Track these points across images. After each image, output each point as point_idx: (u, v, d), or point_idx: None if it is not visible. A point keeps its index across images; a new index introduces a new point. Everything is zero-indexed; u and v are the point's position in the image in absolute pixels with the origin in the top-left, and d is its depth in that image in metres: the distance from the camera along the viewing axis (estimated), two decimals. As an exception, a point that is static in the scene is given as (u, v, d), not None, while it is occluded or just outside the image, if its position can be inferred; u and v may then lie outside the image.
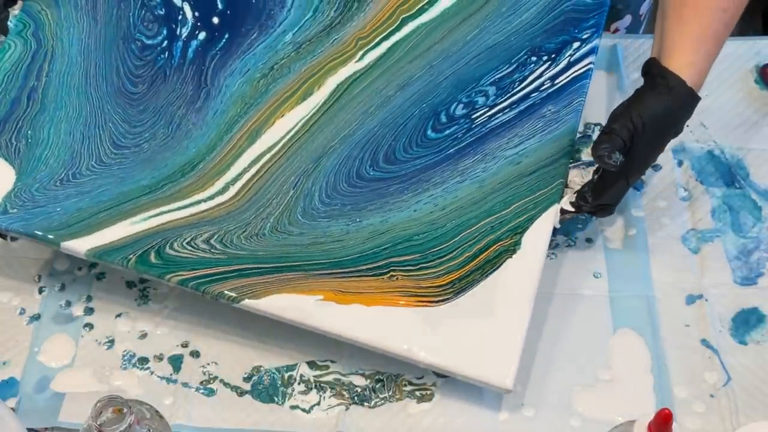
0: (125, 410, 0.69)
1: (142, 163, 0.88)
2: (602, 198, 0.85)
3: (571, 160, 0.88)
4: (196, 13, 0.93)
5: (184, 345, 0.88)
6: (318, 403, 0.84)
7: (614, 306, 0.88)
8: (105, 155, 0.88)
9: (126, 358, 0.87)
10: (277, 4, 0.93)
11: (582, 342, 0.86)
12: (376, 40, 0.92)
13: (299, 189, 0.86)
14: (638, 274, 0.90)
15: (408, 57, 0.91)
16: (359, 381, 0.85)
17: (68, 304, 0.91)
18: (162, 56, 0.92)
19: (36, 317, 0.90)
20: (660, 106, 0.81)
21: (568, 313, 0.88)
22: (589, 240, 0.93)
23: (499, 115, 0.89)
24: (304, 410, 0.84)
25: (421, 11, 0.93)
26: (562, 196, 0.86)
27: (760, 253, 0.92)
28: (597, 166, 0.85)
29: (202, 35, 0.92)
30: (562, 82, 0.90)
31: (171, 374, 0.86)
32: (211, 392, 0.85)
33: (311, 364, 0.86)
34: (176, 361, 0.87)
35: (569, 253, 0.92)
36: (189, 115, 0.89)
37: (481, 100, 0.89)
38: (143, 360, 0.87)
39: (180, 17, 0.93)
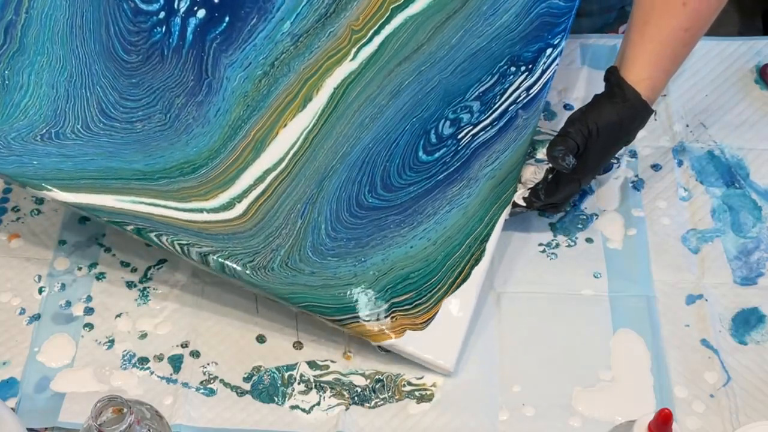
0: (125, 410, 0.69)
1: (135, 144, 0.86)
2: (554, 197, 0.88)
3: (527, 157, 0.91)
4: None
5: (184, 345, 0.88)
6: (318, 403, 0.84)
7: (614, 306, 0.88)
8: (93, 122, 0.86)
9: (126, 358, 0.87)
10: None
11: (582, 342, 0.86)
12: (369, 35, 0.92)
13: (306, 219, 0.86)
14: (638, 274, 0.90)
15: (398, 57, 0.92)
16: (359, 381, 0.85)
17: (68, 304, 0.91)
18: (158, 29, 0.89)
19: (36, 317, 0.90)
20: (614, 116, 0.85)
21: (568, 313, 0.88)
22: (589, 240, 0.93)
23: (481, 133, 0.91)
24: (304, 410, 0.84)
25: (410, 1, 0.93)
26: (515, 191, 0.89)
27: (760, 253, 0.92)
28: (551, 166, 0.87)
29: (201, 13, 0.90)
30: (535, 91, 0.92)
31: (171, 374, 0.86)
32: (211, 392, 0.85)
33: (311, 364, 0.86)
34: (176, 361, 0.87)
35: (569, 253, 0.92)
36: (189, 108, 0.88)
37: (465, 117, 0.91)
38: (143, 360, 0.87)
39: None
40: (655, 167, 0.98)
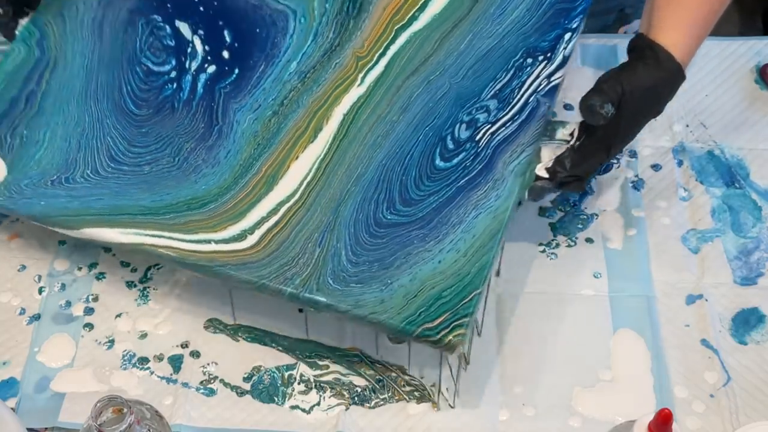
0: (125, 410, 0.69)
1: (142, 184, 0.87)
2: (580, 167, 0.84)
3: (545, 138, 0.87)
4: (206, 47, 0.94)
5: (184, 345, 0.88)
6: (318, 403, 0.84)
7: (614, 306, 0.88)
8: (101, 167, 0.88)
9: (126, 358, 0.87)
10: (279, 32, 0.94)
11: (582, 342, 0.86)
12: (375, 58, 0.92)
13: (325, 247, 0.82)
14: (638, 274, 0.90)
15: (405, 72, 0.91)
16: (359, 381, 0.85)
17: (68, 304, 0.91)
18: (169, 86, 0.92)
19: (36, 317, 0.90)
20: (649, 79, 0.81)
21: (568, 313, 0.88)
22: (589, 240, 0.93)
23: (501, 130, 0.87)
24: (304, 410, 0.84)
25: (413, 19, 0.94)
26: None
27: (760, 253, 0.92)
28: (576, 137, 0.84)
29: (211, 69, 0.93)
30: (557, 78, 0.89)
31: (171, 374, 0.86)
32: (211, 392, 0.85)
33: (311, 364, 0.86)
34: (176, 361, 0.87)
35: (569, 253, 0.92)
36: (198, 151, 0.88)
37: (482, 117, 0.88)
38: (143, 360, 0.87)
39: (189, 50, 0.94)
40: (655, 167, 0.98)
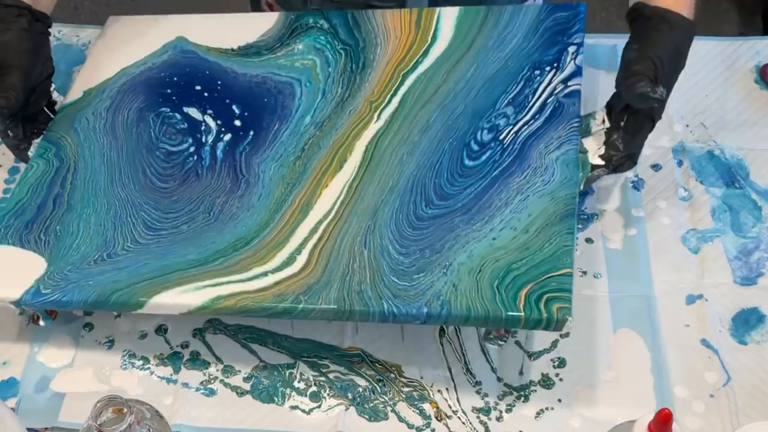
0: (125, 410, 0.69)
1: (184, 241, 0.86)
2: (632, 144, 0.87)
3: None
4: (218, 122, 0.96)
5: (184, 345, 0.88)
6: (318, 404, 0.84)
7: (614, 306, 0.88)
8: (140, 237, 0.87)
9: (126, 358, 0.87)
10: (287, 96, 0.97)
11: (582, 342, 0.86)
12: (387, 98, 0.95)
13: (371, 247, 0.83)
14: (638, 274, 0.90)
15: (419, 103, 0.94)
16: (359, 381, 0.85)
17: (68, 304, 0.91)
18: (191, 159, 0.93)
19: (36, 317, 0.90)
20: (671, 43, 0.84)
21: (568, 313, 0.88)
22: (589, 240, 0.93)
23: (524, 128, 0.89)
24: (304, 410, 0.84)
25: (417, 64, 0.97)
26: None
27: (760, 253, 0.92)
28: (615, 119, 0.86)
29: (227, 137, 0.94)
30: (575, 86, 0.91)
31: (171, 374, 0.86)
32: (211, 392, 0.85)
33: (311, 364, 0.86)
34: (176, 361, 0.87)
35: (569, 253, 0.92)
36: (231, 201, 0.89)
37: (502, 122, 0.91)
38: (143, 360, 0.87)
39: (203, 127, 0.95)
40: (655, 167, 0.98)
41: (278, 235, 0.85)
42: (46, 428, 0.83)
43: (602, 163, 0.88)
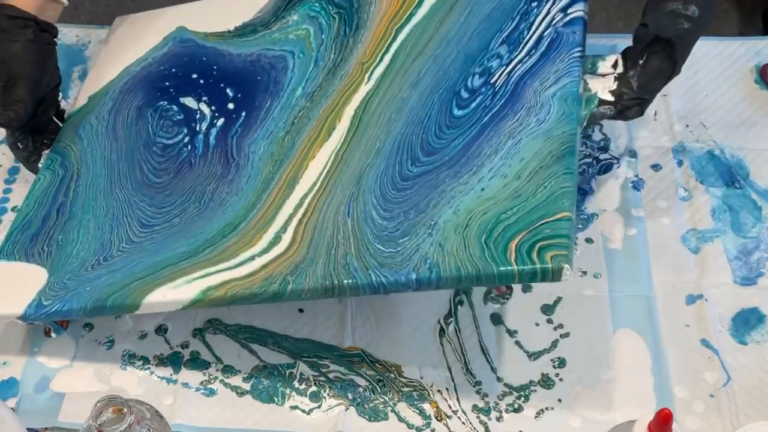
0: (125, 410, 0.69)
1: (176, 235, 0.86)
2: (648, 86, 0.82)
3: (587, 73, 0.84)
4: (212, 107, 0.95)
5: (184, 345, 0.88)
6: (318, 404, 0.84)
7: (614, 306, 0.88)
8: (134, 236, 0.87)
9: (126, 358, 0.87)
10: (280, 71, 0.95)
11: (582, 342, 0.86)
12: (378, 57, 0.92)
13: (354, 215, 0.80)
14: (638, 274, 0.90)
15: (410, 57, 0.91)
16: (359, 381, 0.85)
17: (68, 304, 0.91)
18: (185, 149, 0.93)
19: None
20: None
21: (569, 313, 0.88)
22: (589, 240, 0.93)
23: (518, 66, 0.84)
24: (303, 410, 0.84)
25: (411, 16, 0.94)
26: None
27: (760, 253, 0.92)
28: (639, 57, 0.82)
29: (220, 122, 0.93)
30: (577, 12, 0.85)
31: (171, 374, 0.86)
32: (211, 392, 0.85)
33: (311, 364, 0.86)
34: (176, 361, 0.87)
35: (569, 253, 0.92)
36: (221, 188, 0.88)
37: (495, 63, 0.85)
38: (143, 360, 0.87)
39: (198, 115, 0.95)
40: (655, 167, 0.98)
41: (264, 216, 0.84)
42: (46, 428, 0.83)
43: (611, 99, 0.83)
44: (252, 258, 0.80)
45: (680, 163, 0.98)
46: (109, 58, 1.05)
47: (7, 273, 0.88)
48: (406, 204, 0.79)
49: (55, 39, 0.95)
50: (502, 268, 0.71)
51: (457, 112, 0.84)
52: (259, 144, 0.90)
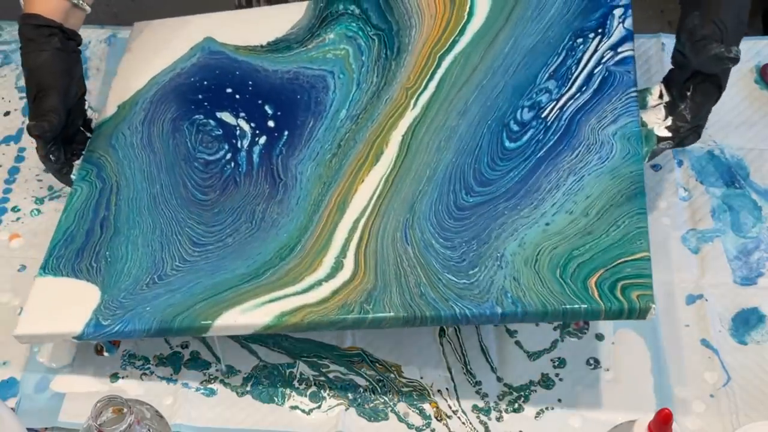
0: (125, 410, 0.69)
1: (231, 255, 0.85)
2: (700, 113, 0.85)
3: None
4: (252, 124, 0.94)
5: (184, 345, 0.88)
6: (318, 404, 0.84)
7: (614, 306, 0.88)
8: (187, 255, 0.86)
9: (126, 358, 0.87)
10: (321, 90, 0.95)
11: (582, 342, 0.86)
12: (423, 83, 0.92)
13: (413, 242, 0.81)
14: (638, 274, 0.90)
15: (456, 86, 0.91)
16: (359, 381, 0.85)
17: (68, 304, 0.90)
18: (228, 167, 0.92)
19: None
20: (731, 5, 0.82)
21: (568, 313, 0.88)
22: (589, 240, 0.93)
23: (570, 102, 0.86)
24: (303, 410, 0.84)
25: (454, 44, 0.94)
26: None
27: (760, 253, 0.92)
28: (685, 88, 0.84)
29: (262, 140, 0.93)
30: (626, 52, 0.87)
31: (171, 374, 0.87)
32: (211, 392, 0.85)
33: (311, 364, 0.86)
34: (176, 361, 0.87)
35: (569, 253, 0.92)
36: (271, 207, 0.87)
37: (544, 98, 0.87)
38: (143, 360, 0.87)
39: (238, 132, 0.94)
40: (655, 167, 0.98)
41: (319, 239, 0.84)
42: (46, 428, 0.83)
43: (669, 135, 0.85)
44: (319, 283, 0.81)
45: (680, 163, 0.98)
46: (134, 66, 1.03)
47: (56, 289, 0.86)
48: (465, 234, 0.80)
49: (79, 47, 0.93)
50: (589, 306, 0.74)
51: (509, 144, 0.86)
52: (306, 165, 0.90)
